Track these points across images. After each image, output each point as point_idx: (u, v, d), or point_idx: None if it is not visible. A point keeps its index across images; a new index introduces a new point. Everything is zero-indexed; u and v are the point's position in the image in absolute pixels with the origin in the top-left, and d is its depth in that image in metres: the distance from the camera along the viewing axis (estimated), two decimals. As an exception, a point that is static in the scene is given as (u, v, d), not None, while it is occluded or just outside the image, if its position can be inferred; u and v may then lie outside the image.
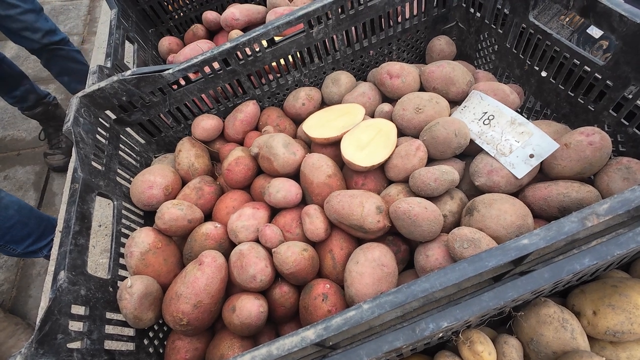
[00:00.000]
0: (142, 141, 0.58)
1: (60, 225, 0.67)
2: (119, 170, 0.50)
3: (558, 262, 0.23)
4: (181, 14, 0.85)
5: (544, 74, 0.47)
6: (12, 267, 1.26)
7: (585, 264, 0.22)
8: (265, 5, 0.80)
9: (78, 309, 0.34)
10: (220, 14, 0.80)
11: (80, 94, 0.48)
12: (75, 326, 0.33)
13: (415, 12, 0.58)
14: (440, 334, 0.28)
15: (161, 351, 0.42)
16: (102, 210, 0.65)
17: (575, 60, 0.41)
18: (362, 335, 0.26)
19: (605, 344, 0.33)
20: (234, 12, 0.74)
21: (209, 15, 0.80)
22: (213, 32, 0.84)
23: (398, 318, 0.26)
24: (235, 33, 0.74)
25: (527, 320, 0.34)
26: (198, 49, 0.75)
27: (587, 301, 0.33)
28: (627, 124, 0.38)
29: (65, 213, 0.38)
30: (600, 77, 0.39)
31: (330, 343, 0.25)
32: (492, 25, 0.52)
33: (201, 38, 0.82)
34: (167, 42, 0.80)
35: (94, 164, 0.45)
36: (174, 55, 0.78)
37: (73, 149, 0.43)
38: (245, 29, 0.77)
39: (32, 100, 1.36)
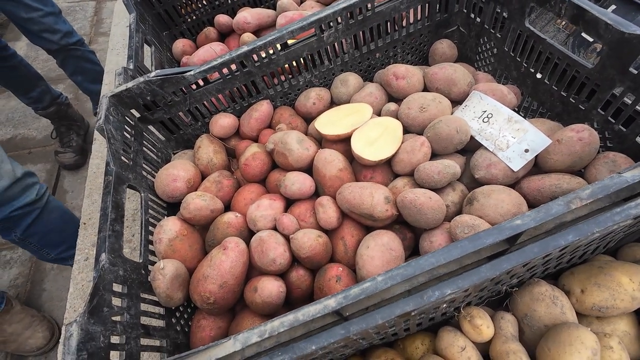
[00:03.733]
0: (163, 138, 0.62)
1: (83, 218, 0.71)
2: (143, 165, 0.53)
3: (546, 239, 0.26)
4: (194, 17, 0.89)
5: (539, 75, 0.50)
6: (26, 262, 1.30)
7: (569, 240, 0.26)
8: (275, 9, 0.84)
9: (118, 287, 0.37)
10: (232, 18, 0.84)
11: (109, 94, 0.52)
12: (116, 302, 0.36)
13: (419, 17, 0.61)
14: (444, 305, 0.31)
15: (187, 330, 0.46)
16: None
17: (567, 62, 0.45)
18: (374, 307, 0.30)
19: (592, 319, 0.37)
20: (246, 15, 0.78)
21: (221, 18, 0.84)
22: (224, 35, 0.88)
23: (405, 292, 0.30)
24: (247, 36, 0.78)
25: (521, 298, 0.37)
26: (211, 50, 0.78)
27: (575, 281, 0.37)
28: (613, 121, 0.42)
29: (102, 202, 0.42)
30: (589, 78, 0.42)
31: (347, 314, 0.29)
32: (491, 30, 0.56)
33: (213, 40, 0.86)
34: (181, 44, 0.84)
35: (123, 158, 0.48)
36: (188, 57, 0.81)
37: (106, 144, 0.47)
38: (256, 31, 0.81)
39: (47, 100, 1.40)
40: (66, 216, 1.00)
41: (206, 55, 0.78)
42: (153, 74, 0.52)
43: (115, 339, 0.34)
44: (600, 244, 0.36)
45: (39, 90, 1.36)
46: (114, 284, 0.37)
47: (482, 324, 0.35)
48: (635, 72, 0.37)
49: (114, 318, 0.35)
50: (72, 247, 1.02)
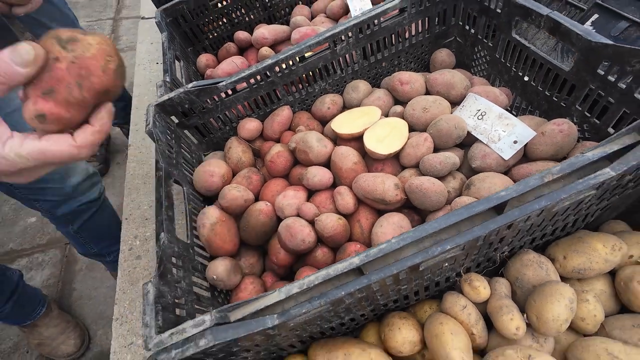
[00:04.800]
0: (195, 141, 0.70)
1: (124, 214, 0.79)
2: (182, 164, 0.62)
3: (525, 204, 0.33)
4: (215, 34, 0.98)
5: (526, 78, 0.58)
6: (57, 264, 1.39)
7: (542, 204, 0.33)
8: (288, 24, 0.93)
9: (175, 260, 0.45)
10: (249, 34, 0.93)
11: (153, 103, 0.60)
12: (175, 272, 0.44)
13: (420, 30, 0.69)
14: (446, 264, 0.38)
15: (227, 301, 0.53)
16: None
17: (548, 67, 0.52)
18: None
19: (574, 281, 0.43)
20: (264, 32, 0.87)
21: (240, 34, 0.93)
22: (243, 49, 0.96)
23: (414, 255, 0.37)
24: (265, 49, 0.87)
25: (513, 265, 0.44)
26: (232, 63, 0.87)
27: (559, 249, 0.44)
28: (589, 115, 0.49)
29: (156, 193, 0.50)
30: (567, 79, 0.50)
31: (367, 272, 0.36)
32: (484, 40, 0.64)
33: (233, 54, 0.94)
34: (204, 58, 0.93)
35: (169, 157, 0.56)
36: (212, 70, 0.90)
37: (157, 146, 0.55)
38: (272, 45, 0.90)
39: (122, 117, 1.51)
40: (113, 216, 1.09)
41: (228, 67, 0.86)
42: (191, 85, 0.61)
43: (177, 300, 0.41)
44: (578, 217, 0.43)
45: (121, 106, 1.48)
46: (172, 257, 0.45)
47: (479, 286, 0.42)
48: (602, 73, 0.44)
49: (175, 284, 0.42)
50: (112, 245, 1.11)
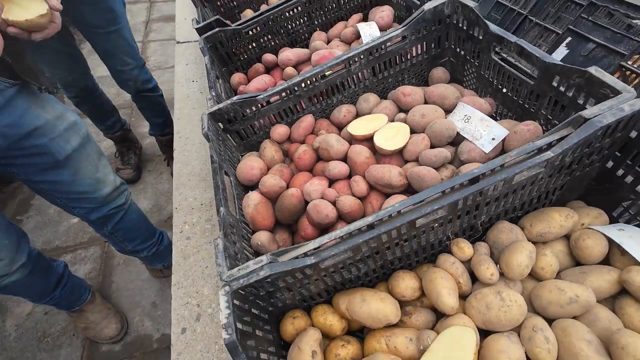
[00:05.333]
0: (235, 144, 0.86)
1: (175, 204, 0.94)
2: (227, 160, 0.76)
3: (489, 177, 0.47)
4: (245, 56, 1.15)
5: (504, 90, 0.72)
6: (97, 259, 1.54)
7: (502, 177, 0.46)
8: (308, 48, 1.10)
9: (230, 229, 0.59)
10: (275, 56, 1.10)
11: (207, 112, 0.76)
12: (231, 236, 0.58)
13: (419, 52, 0.85)
14: (436, 225, 0.51)
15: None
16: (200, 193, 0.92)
17: (519, 81, 0.66)
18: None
19: (539, 244, 0.55)
20: (288, 54, 1.03)
21: (268, 57, 1.10)
22: (269, 69, 1.13)
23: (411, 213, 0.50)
24: (289, 69, 1.03)
25: (491, 232, 0.57)
26: (261, 81, 1.03)
27: (527, 220, 0.56)
28: (551, 117, 0.62)
29: (213, 180, 0.64)
30: (533, 90, 0.63)
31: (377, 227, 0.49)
32: (472, 60, 0.78)
33: (262, 73, 1.11)
34: (237, 77, 1.10)
35: (219, 154, 0.72)
36: (244, 86, 1.07)
37: (210, 145, 0.70)
38: (295, 65, 1.06)
39: (117, 127, 1.71)
40: (141, 217, 1.24)
41: (257, 84, 1.02)
42: (236, 97, 0.77)
43: (236, 254, 0.55)
44: (540, 194, 0.56)
45: (113, 120, 1.68)
46: (229, 225, 0.59)
47: (464, 247, 0.55)
48: (556, 85, 0.58)
49: (233, 243, 0.56)
50: (144, 242, 1.26)
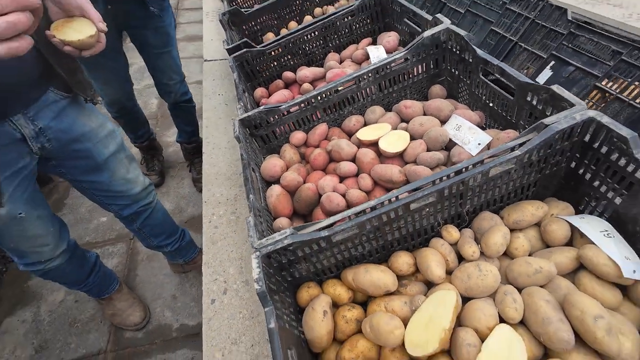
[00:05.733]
0: (259, 147, 0.99)
1: (204, 198, 1.07)
2: (253, 160, 0.90)
3: (471, 170, 0.58)
4: (267, 73, 1.31)
5: (491, 104, 0.84)
6: (123, 255, 1.68)
7: (480, 169, 0.58)
8: (323, 67, 1.25)
9: (257, 212, 0.71)
10: (293, 73, 1.25)
11: (237, 118, 0.90)
12: (258, 218, 0.70)
13: (420, 72, 0.98)
14: (427, 209, 0.62)
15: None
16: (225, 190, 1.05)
17: (502, 96, 0.78)
18: (393, 212, 0.62)
19: (516, 231, 0.66)
20: (306, 72, 1.18)
21: (287, 74, 1.25)
22: (288, 84, 1.28)
23: (406, 198, 0.61)
24: (306, 85, 1.17)
25: (475, 220, 0.68)
26: (281, 95, 1.18)
27: (505, 210, 0.67)
28: (527, 127, 0.74)
29: (243, 173, 0.77)
30: (513, 104, 0.76)
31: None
32: (464, 79, 0.91)
33: (281, 88, 1.26)
34: (260, 91, 1.25)
35: (247, 153, 0.85)
36: (265, 99, 1.21)
37: (240, 145, 0.83)
38: (311, 82, 1.21)
39: (145, 137, 1.88)
40: (166, 215, 1.37)
41: (278, 97, 1.17)
42: (262, 107, 0.91)
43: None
44: (516, 189, 0.67)
45: (144, 130, 1.85)
46: (256, 209, 0.71)
47: (452, 231, 0.66)
48: (529, 99, 0.70)
49: (260, 223, 0.68)
50: (168, 238, 1.39)
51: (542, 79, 1.06)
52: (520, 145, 0.59)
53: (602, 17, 1.07)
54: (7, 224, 0.83)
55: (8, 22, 0.44)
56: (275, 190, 0.80)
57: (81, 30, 0.69)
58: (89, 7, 0.67)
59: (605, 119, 0.55)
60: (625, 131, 0.52)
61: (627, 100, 0.83)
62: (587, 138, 0.59)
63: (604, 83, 0.89)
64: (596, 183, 0.61)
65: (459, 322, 0.56)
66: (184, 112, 1.78)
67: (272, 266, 0.62)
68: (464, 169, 0.59)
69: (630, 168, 0.53)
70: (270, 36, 1.57)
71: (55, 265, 1.05)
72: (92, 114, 0.96)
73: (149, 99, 2.71)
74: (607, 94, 0.89)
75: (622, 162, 0.54)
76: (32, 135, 0.79)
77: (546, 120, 0.58)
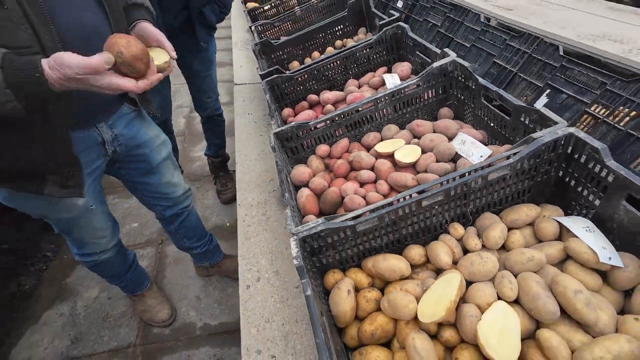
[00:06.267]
0: (288, 157, 1.13)
1: (239, 201, 1.20)
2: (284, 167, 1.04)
3: (473, 174, 0.71)
4: (293, 96, 1.48)
5: (492, 124, 0.97)
6: (152, 258, 1.80)
7: (479, 174, 0.70)
8: (343, 91, 1.41)
9: (291, 208, 0.84)
10: (317, 96, 1.42)
11: (272, 132, 1.05)
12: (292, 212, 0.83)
13: (430, 96, 1.13)
14: (437, 207, 0.74)
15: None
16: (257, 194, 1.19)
17: (501, 117, 0.91)
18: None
19: (512, 229, 0.77)
20: (329, 95, 1.34)
21: (312, 96, 1.41)
22: (312, 105, 1.44)
23: (419, 196, 0.74)
24: (329, 106, 1.33)
25: (478, 219, 0.79)
26: (306, 114, 1.34)
27: (504, 212, 0.78)
28: (523, 143, 0.86)
29: (278, 176, 0.91)
30: (510, 124, 0.89)
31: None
32: (469, 103, 1.05)
33: (306, 109, 1.42)
34: (287, 111, 1.41)
35: (281, 161, 0.99)
36: (292, 118, 1.37)
37: (275, 154, 0.98)
38: (333, 103, 1.37)
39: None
40: (198, 220, 1.51)
41: (303, 117, 1.32)
42: (294, 123, 1.06)
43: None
44: (513, 194, 0.78)
45: (174, 144, 2.04)
46: (290, 205, 0.84)
47: (458, 228, 0.77)
48: (523, 119, 0.83)
49: (294, 219, 0.81)
50: (198, 240, 1.52)
51: (539, 104, 1.20)
52: (514, 155, 0.71)
53: (604, 52, 1.17)
54: (80, 214, 0.98)
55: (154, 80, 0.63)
56: (304, 192, 0.94)
57: (158, 57, 0.86)
58: (164, 40, 0.85)
59: (582, 134, 0.68)
60: (597, 143, 0.65)
61: (612, 123, 0.96)
62: (569, 150, 0.72)
63: (592, 109, 1.02)
64: (579, 188, 0.73)
65: (463, 301, 0.66)
66: (215, 125, 1.98)
67: (306, 250, 0.74)
68: (467, 173, 0.72)
69: (603, 173, 0.65)
70: (295, 64, 1.77)
71: (105, 257, 1.18)
72: (151, 125, 1.13)
73: (177, 118, 2.94)
74: (597, 118, 1.01)
75: (597, 168, 0.66)
76: (109, 140, 0.96)
77: (534, 135, 0.71)
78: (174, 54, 0.84)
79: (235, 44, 2.55)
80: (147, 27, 0.85)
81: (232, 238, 1.93)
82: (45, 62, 0.59)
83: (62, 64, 0.59)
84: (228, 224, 2.00)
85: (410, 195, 0.72)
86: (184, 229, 1.42)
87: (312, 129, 1.09)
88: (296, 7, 2.35)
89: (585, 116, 1.04)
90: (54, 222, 0.99)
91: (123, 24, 0.85)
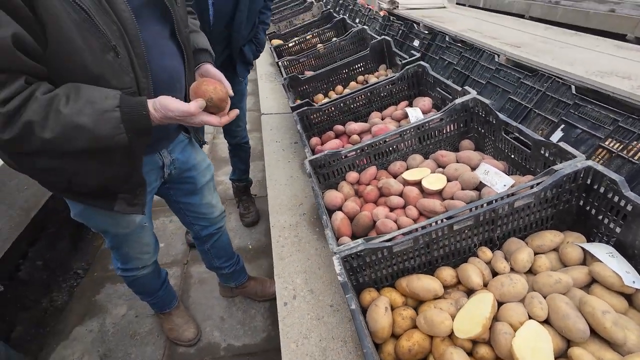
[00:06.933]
0: (319, 183, 1.22)
1: (270, 222, 1.28)
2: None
3: (499, 202, 0.78)
4: (320, 126, 1.59)
5: (513, 156, 1.05)
6: (178, 278, 1.86)
7: (507, 201, 0.77)
8: (367, 122, 1.52)
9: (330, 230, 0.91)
10: (342, 127, 1.52)
11: (308, 160, 1.14)
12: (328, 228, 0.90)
13: (452, 129, 1.22)
14: (467, 231, 0.81)
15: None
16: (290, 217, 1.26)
17: (521, 150, 0.99)
18: (439, 233, 0.81)
19: (538, 254, 0.82)
20: (355, 126, 1.45)
21: (338, 127, 1.52)
22: (338, 135, 1.55)
23: (450, 219, 0.81)
24: (354, 137, 1.44)
25: (505, 244, 0.85)
26: (333, 143, 1.44)
27: (530, 237, 0.84)
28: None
29: (315, 200, 0.99)
30: (531, 156, 0.96)
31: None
32: (490, 136, 1.14)
33: (332, 139, 1.52)
34: (314, 140, 1.51)
35: (316, 186, 1.07)
36: (320, 147, 1.48)
37: (310, 180, 1.06)
38: (359, 134, 1.47)
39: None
40: (229, 241, 1.58)
41: (330, 145, 1.42)
42: (327, 151, 1.15)
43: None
44: (537, 221, 0.84)
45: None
46: (329, 227, 0.91)
47: (486, 251, 0.83)
48: (543, 152, 0.91)
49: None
50: (227, 261, 1.58)
51: (554, 138, 1.28)
52: (537, 184, 0.78)
53: (612, 87, 1.25)
54: (134, 230, 1.07)
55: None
56: (339, 215, 1.01)
57: None
58: (224, 79, 0.97)
59: (600, 167, 0.75)
60: (614, 175, 0.71)
61: (626, 157, 1.03)
62: (588, 181, 0.79)
63: (606, 143, 1.09)
64: (600, 217, 0.79)
65: (496, 320, 0.71)
66: (242, 152, 2.10)
67: (345, 268, 0.80)
68: (494, 201, 0.79)
69: (622, 203, 0.71)
70: (320, 97, 1.90)
71: (144, 273, 1.25)
72: (199, 150, 1.24)
73: (201, 144, 3.11)
74: (611, 152, 1.08)
75: (616, 199, 0.72)
76: (168, 164, 1.06)
77: (555, 167, 0.78)
78: (232, 92, 0.96)
79: (261, 77, 2.73)
80: (210, 69, 0.99)
81: (254, 260, 1.99)
82: (150, 103, 0.74)
83: (166, 108, 0.75)
84: (250, 247, 2.06)
85: (443, 220, 0.79)
86: (215, 248, 1.49)
87: (343, 157, 1.18)
88: (319, 45, 2.54)
89: (600, 150, 1.11)
90: (110, 236, 1.08)
91: (193, 66, 0.98)
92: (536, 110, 1.34)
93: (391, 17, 2.65)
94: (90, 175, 0.78)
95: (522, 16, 5.11)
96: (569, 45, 1.77)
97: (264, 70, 2.84)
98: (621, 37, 3.83)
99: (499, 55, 1.66)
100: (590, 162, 0.76)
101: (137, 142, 0.73)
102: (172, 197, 1.26)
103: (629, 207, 0.70)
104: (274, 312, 1.69)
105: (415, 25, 2.35)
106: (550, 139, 1.28)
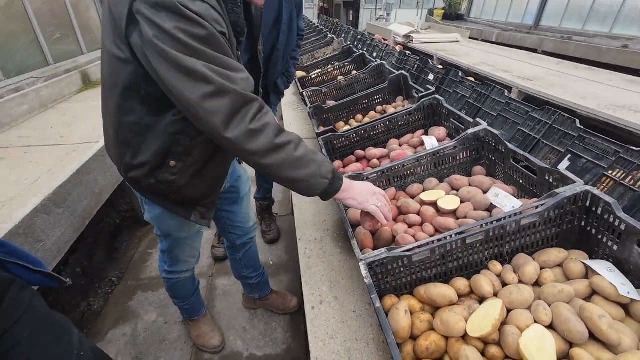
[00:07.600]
0: (343, 202, 1.35)
1: (297, 237, 1.40)
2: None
3: (508, 219, 0.88)
4: (341, 150, 1.74)
5: (521, 182, 1.16)
6: (203, 289, 1.98)
7: (514, 219, 0.88)
8: (386, 148, 1.66)
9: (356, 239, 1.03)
10: (363, 152, 1.67)
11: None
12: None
13: (465, 156, 1.34)
14: (479, 245, 0.91)
15: (366, 274, 1.07)
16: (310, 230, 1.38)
17: (528, 176, 1.10)
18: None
19: (544, 268, 0.91)
20: (375, 152, 1.59)
21: (359, 152, 1.67)
22: (358, 159, 1.69)
23: (463, 234, 0.91)
24: (374, 161, 1.57)
25: (514, 259, 0.94)
26: (355, 167, 1.58)
27: (536, 254, 0.94)
28: (549, 197, 1.04)
29: (341, 216, 1.12)
30: (538, 181, 1.07)
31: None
32: (500, 163, 1.25)
33: (353, 162, 1.67)
34: (337, 164, 1.66)
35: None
36: (342, 169, 1.62)
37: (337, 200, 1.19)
38: (378, 158, 1.61)
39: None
40: (257, 253, 1.70)
41: (352, 168, 1.56)
42: (351, 173, 1.29)
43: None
44: (543, 239, 0.94)
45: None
46: (357, 239, 1.03)
47: (496, 264, 0.93)
48: (547, 178, 1.02)
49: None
50: (254, 272, 1.70)
51: (562, 166, 1.38)
52: (541, 205, 0.89)
53: (625, 121, 1.36)
54: (191, 235, 1.21)
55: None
56: (361, 230, 1.13)
57: None
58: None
59: (596, 192, 0.85)
60: (608, 198, 0.82)
61: (628, 185, 1.12)
62: (587, 204, 0.89)
63: (610, 172, 1.19)
64: (599, 236, 0.88)
65: (505, 324, 0.80)
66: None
67: (370, 275, 0.91)
68: (502, 218, 0.90)
69: (616, 223, 0.81)
70: (341, 124, 2.07)
71: (185, 277, 1.38)
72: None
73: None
74: (614, 180, 1.18)
75: (612, 219, 0.82)
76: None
77: (557, 190, 0.89)
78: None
79: (285, 105, 2.95)
80: None
81: (275, 276, 2.09)
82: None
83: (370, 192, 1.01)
84: (271, 262, 2.17)
85: (456, 234, 0.90)
86: (246, 258, 1.61)
87: (365, 178, 1.32)
88: (339, 77, 2.76)
89: (604, 178, 1.21)
90: (171, 239, 1.23)
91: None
92: (544, 141, 1.45)
93: (407, 52, 2.86)
94: (195, 189, 0.94)
95: (534, 50, 5.30)
96: (581, 79, 1.90)
97: (288, 99, 3.06)
98: (634, 72, 3.94)
99: (509, 90, 1.80)
100: (587, 187, 0.87)
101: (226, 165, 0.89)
102: (218, 206, 1.40)
103: (623, 227, 0.80)
104: (293, 326, 1.77)
105: (429, 60, 2.54)
106: (558, 167, 1.38)
